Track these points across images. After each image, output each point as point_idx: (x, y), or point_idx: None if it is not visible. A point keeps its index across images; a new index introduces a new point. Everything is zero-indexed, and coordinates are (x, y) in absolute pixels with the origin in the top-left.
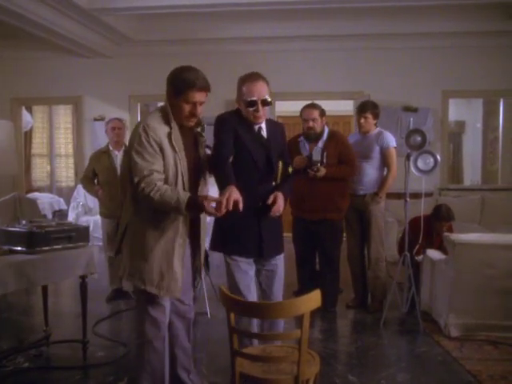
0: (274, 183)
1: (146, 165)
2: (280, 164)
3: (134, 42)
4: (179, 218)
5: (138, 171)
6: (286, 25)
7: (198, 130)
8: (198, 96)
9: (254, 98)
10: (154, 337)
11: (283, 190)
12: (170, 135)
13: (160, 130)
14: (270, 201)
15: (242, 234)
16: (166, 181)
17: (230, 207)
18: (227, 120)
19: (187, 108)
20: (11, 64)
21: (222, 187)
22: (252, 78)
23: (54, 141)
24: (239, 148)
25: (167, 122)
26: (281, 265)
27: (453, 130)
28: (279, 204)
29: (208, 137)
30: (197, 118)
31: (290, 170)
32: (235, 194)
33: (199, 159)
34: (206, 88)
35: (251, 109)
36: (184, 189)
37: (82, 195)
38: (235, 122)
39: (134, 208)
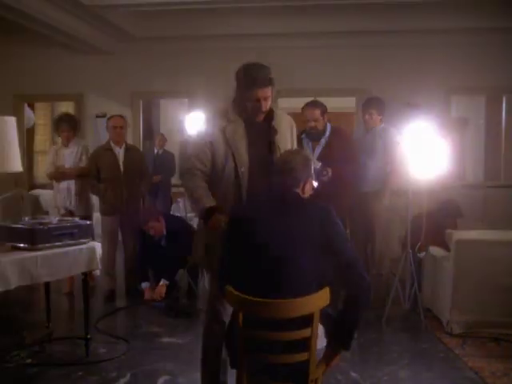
0: None
1: (192, 153)
2: None
3: (135, 38)
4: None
5: (185, 161)
6: (289, 22)
7: (274, 124)
8: (261, 93)
9: None
10: (209, 323)
11: None
12: (224, 129)
13: (214, 123)
14: None
15: None
16: (216, 174)
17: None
18: None
19: (250, 105)
20: (14, 61)
21: None
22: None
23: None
24: None
25: (225, 117)
26: None
27: (455, 126)
28: None
29: None
30: (264, 113)
31: None
32: None
33: (270, 158)
34: (266, 84)
35: None
36: (240, 183)
37: None
38: None
39: None
